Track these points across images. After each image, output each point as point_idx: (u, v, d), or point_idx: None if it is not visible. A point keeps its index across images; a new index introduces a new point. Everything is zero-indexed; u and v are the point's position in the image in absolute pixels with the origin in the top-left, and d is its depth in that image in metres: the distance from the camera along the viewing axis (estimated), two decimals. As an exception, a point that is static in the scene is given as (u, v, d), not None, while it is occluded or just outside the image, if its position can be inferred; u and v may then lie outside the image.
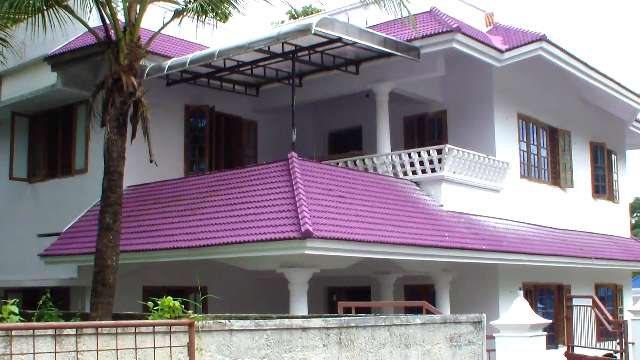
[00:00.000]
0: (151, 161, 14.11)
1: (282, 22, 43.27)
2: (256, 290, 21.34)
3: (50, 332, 6.35)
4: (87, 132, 19.69)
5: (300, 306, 15.98)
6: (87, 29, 14.74)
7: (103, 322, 6.73)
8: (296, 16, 42.51)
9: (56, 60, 20.38)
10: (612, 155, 29.24)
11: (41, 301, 11.87)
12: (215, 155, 22.80)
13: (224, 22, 28.09)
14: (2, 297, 22.53)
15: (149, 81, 19.41)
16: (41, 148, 22.85)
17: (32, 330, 6.20)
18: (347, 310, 15.52)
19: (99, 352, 6.52)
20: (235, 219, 16.07)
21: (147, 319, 7.42)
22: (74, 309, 18.36)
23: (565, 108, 25.95)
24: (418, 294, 21.50)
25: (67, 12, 14.56)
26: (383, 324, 9.81)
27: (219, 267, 17.66)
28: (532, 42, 21.63)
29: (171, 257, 16.92)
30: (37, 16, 14.39)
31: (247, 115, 24.07)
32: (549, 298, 24.07)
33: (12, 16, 15.37)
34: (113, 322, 6.79)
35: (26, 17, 14.70)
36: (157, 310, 7.34)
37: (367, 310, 17.02)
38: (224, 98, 22.84)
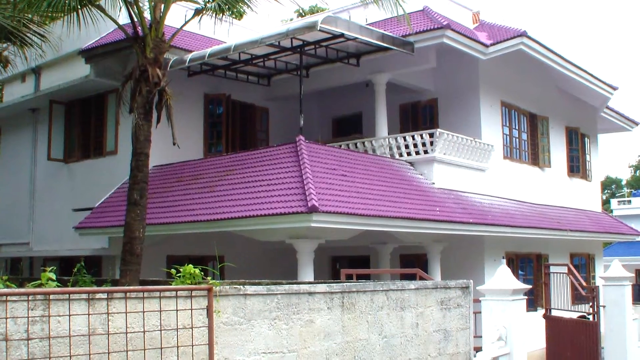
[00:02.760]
0: (174, 144, 14.08)
1: (291, 19, 43.02)
2: (267, 259, 21.32)
3: (84, 296, 6.31)
4: (117, 118, 19.65)
5: (307, 273, 15.96)
6: (117, 26, 14.68)
7: (131, 287, 6.69)
8: (303, 14, 42.29)
9: (89, 54, 20.33)
10: (586, 139, 29.12)
11: (76, 269, 11.84)
12: (232, 138, 22.75)
13: (239, 19, 27.95)
14: (42, 265, 22.65)
15: (172, 72, 19.33)
16: (76, 132, 22.76)
17: (67, 295, 6.16)
18: (349, 277, 15.51)
19: (127, 314, 6.49)
20: (249, 195, 16.02)
21: (171, 284, 7.38)
22: (105, 276, 18.39)
23: (544, 96, 25.82)
24: (412, 262, 21.49)
25: (99, 11, 14.49)
26: (381, 289, 9.76)
27: (234, 238, 17.62)
28: (514, 37, 21.49)
29: (192, 229, 16.86)
30: (72, 14, 14.33)
31: (260, 103, 23.99)
32: (529, 266, 24.03)
33: (49, 14, 15.28)
34: (140, 287, 6.75)
35: (62, 15, 14.62)
36: (179, 276, 7.30)
37: (366, 277, 17.01)
38: (239, 87, 22.75)
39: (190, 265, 7.28)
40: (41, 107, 23.65)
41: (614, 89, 27.19)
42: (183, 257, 20.16)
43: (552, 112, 26.27)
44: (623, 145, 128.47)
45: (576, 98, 27.47)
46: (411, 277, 15.97)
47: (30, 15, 16.58)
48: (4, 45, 18.12)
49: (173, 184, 18.55)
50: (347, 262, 22.96)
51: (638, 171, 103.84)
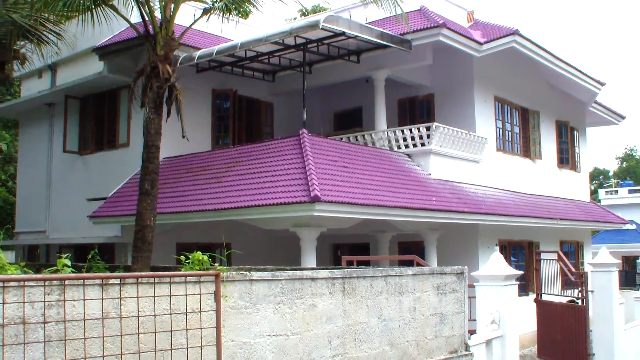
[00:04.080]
0: (183, 136, 14.06)
1: (295, 18, 42.90)
2: (271, 247, 21.28)
3: (98, 281, 6.30)
4: (129, 112, 19.64)
5: (309, 259, 15.93)
6: (129, 25, 14.65)
7: (142, 273, 6.68)
8: (306, 13, 42.18)
9: (103, 51, 20.32)
10: (575, 132, 29.05)
11: (90, 255, 11.84)
12: (238, 131, 22.73)
13: (245, 18, 27.87)
14: (57, 252, 22.67)
15: (182, 69, 19.30)
16: (90, 125, 22.75)
17: (82, 280, 6.15)
18: (350, 263, 15.51)
19: (139, 298, 6.47)
20: (254, 185, 15.99)
21: (180, 270, 7.37)
22: (117, 263, 18.41)
23: (535, 91, 25.75)
24: (410, 249, 21.49)
25: (112, 10, 14.47)
26: (380, 274, 9.75)
27: (240, 226, 17.61)
28: (507, 35, 21.41)
29: (200, 218, 16.83)
30: (86, 14, 14.32)
31: (265, 98, 23.94)
32: (521, 253, 24.01)
33: (65, 14, 15.23)
34: (151, 273, 6.73)
35: (77, 14, 14.60)
36: (188, 263, 7.28)
37: (366, 263, 17.01)
38: (245, 83, 22.71)
39: (199, 252, 7.26)
40: (57, 101, 23.63)
41: (602, 84, 27.14)
42: (192, 245, 20.02)
43: (542, 107, 26.20)
44: (610, 138, 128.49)
45: (566, 93, 27.42)
46: (409, 264, 15.94)
47: (46, 15, 16.55)
48: (22, 43, 18.08)
49: (182, 175, 18.53)
50: (347, 249, 22.96)
51: (625, 162, 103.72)
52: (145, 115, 13.43)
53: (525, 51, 22.37)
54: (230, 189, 16.52)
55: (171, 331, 6.67)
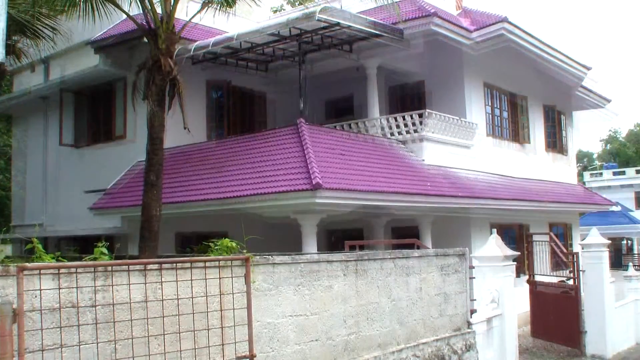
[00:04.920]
0: (185, 128, 14.48)
1: (281, 6, 43.17)
2: (269, 235, 21.59)
3: (139, 267, 6.81)
4: (125, 104, 20.04)
5: (311, 245, 16.42)
6: (125, 17, 15.04)
7: (179, 259, 7.16)
8: (294, 3, 42.43)
9: (99, 45, 20.63)
10: (562, 116, 29.67)
11: (101, 244, 12.24)
12: (232, 122, 23.11)
13: (230, 8, 28.11)
14: (55, 245, 23.03)
15: (177, 60, 19.63)
16: (85, 118, 23.11)
17: (127, 266, 6.65)
18: (353, 248, 16.03)
19: (177, 282, 6.98)
20: (255, 175, 16.44)
21: (207, 255, 7.83)
22: (117, 253, 18.80)
23: (523, 77, 26.23)
24: (404, 234, 21.93)
25: (111, 4, 14.87)
26: (389, 257, 10.32)
27: (237, 215, 17.90)
28: (496, 23, 21.77)
29: (202, 208, 17.24)
30: (86, 6, 14.72)
31: (258, 88, 24.27)
32: (512, 235, 24.58)
33: (64, 8, 15.53)
34: (188, 258, 7.23)
35: (76, 8, 14.97)
36: (217, 249, 7.77)
37: (362, 247, 17.52)
38: (239, 74, 22.99)
39: (227, 239, 7.77)
40: (51, 95, 23.94)
41: (588, 68, 27.65)
42: (191, 234, 20.62)
43: (530, 92, 26.75)
44: (595, 121, 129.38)
45: (553, 78, 27.83)
46: (408, 248, 16.47)
47: (43, 9, 16.84)
48: (17, 38, 18.37)
49: (182, 166, 18.95)
50: (342, 235, 23.36)
51: (609, 145, 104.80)
52: (148, 109, 13.84)
53: (514, 38, 22.76)
54: (231, 179, 16.96)
55: (207, 312, 7.19)
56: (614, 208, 39.80)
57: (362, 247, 17.23)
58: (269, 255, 8.36)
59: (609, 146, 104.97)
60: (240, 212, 17.33)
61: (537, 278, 20.57)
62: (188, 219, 19.52)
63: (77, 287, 6.28)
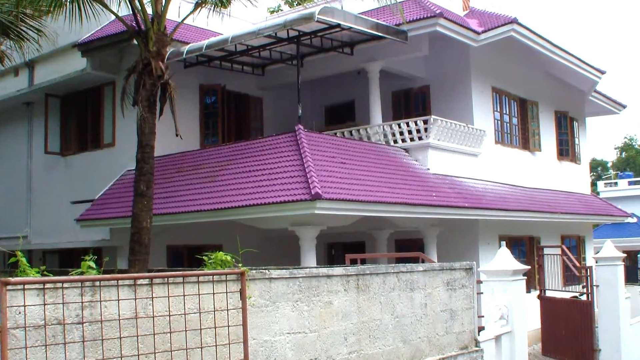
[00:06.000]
0: (177, 135, 14.51)
1: (279, 6, 43.22)
2: (266, 247, 21.64)
3: (128, 282, 6.81)
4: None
5: (310, 259, 16.42)
6: (114, 18, 15.08)
7: (171, 273, 7.15)
8: (292, 3, 42.48)
9: (86, 47, 20.60)
10: (574, 122, 29.69)
11: (89, 258, 12.23)
12: (227, 128, 23.13)
13: (225, 8, 28.12)
14: (40, 258, 23.03)
15: (168, 64, 19.65)
16: (72, 125, 23.12)
17: (116, 281, 6.65)
18: (353, 262, 16.06)
19: (169, 298, 6.99)
20: (251, 184, 16.46)
21: (201, 270, 7.84)
22: (106, 267, 18.78)
23: (533, 81, 26.33)
24: (408, 247, 21.94)
25: (99, 4, 14.88)
26: (392, 271, 10.32)
27: (232, 227, 17.95)
28: (505, 24, 21.87)
29: (195, 219, 17.27)
30: (73, 7, 14.72)
31: (254, 93, 24.36)
32: (522, 248, 24.60)
33: (50, 9, 15.52)
34: (180, 272, 7.22)
35: (63, 9, 14.97)
36: (211, 263, 7.77)
37: (363, 261, 17.53)
38: (233, 77, 23.07)
39: (221, 252, 7.78)
40: (36, 100, 23.96)
41: (602, 72, 27.76)
42: (182, 247, 20.66)
43: (541, 97, 26.81)
44: (609, 128, 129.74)
45: (565, 82, 28.00)
46: (413, 261, 16.48)
47: (27, 10, 16.83)
48: (0, 40, 18.37)
49: (173, 175, 18.96)
50: (342, 249, 23.40)
51: (624, 153, 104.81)
52: (138, 114, 13.82)
53: (523, 40, 22.88)
54: (225, 188, 16.98)
55: (200, 329, 7.20)
56: (630, 220, 39.89)
57: (363, 261, 17.25)
58: (265, 269, 8.36)
59: (624, 154, 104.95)
60: (236, 223, 17.38)
61: (549, 293, 20.57)
62: (180, 231, 19.54)
63: (63, 303, 6.28)
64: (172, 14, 16.90)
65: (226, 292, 7.45)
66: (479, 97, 23.08)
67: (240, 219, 16.82)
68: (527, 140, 25.80)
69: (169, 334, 6.98)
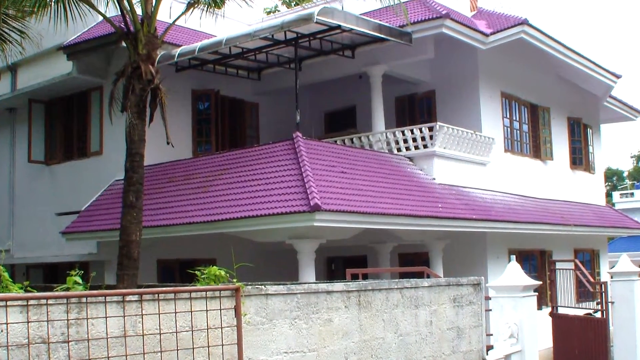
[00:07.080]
0: (168, 143, 14.49)
1: (275, 7, 43.28)
2: (262, 261, 21.66)
3: (117, 298, 6.81)
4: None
5: (308, 274, 16.42)
6: (101, 19, 15.09)
7: (162, 289, 7.14)
8: (291, 3, 42.53)
9: (71, 50, 20.65)
10: (588, 129, 29.73)
11: (75, 273, 12.23)
12: (221, 135, 23.12)
13: (219, 9, 28.17)
14: (24, 273, 23.01)
15: (159, 67, 19.68)
16: (57, 132, 23.13)
17: (104, 297, 6.65)
18: (354, 277, 16.03)
19: (160, 315, 6.99)
20: (246, 194, 16.46)
21: (193, 285, 7.85)
22: (93, 283, 18.77)
23: (545, 86, 26.37)
24: (412, 261, 21.96)
25: (86, 5, 14.90)
26: (396, 287, 10.31)
27: (226, 240, 17.95)
28: (515, 26, 21.93)
29: (187, 232, 17.28)
30: (58, 7, 14.75)
31: (249, 98, 24.38)
32: (533, 263, 24.59)
33: (34, 9, 15.53)
34: (171, 288, 7.21)
35: (48, 9, 14.99)
36: (204, 278, 7.78)
37: (365, 277, 17.52)
38: (228, 82, 23.09)
39: (215, 267, 7.78)
40: (19, 106, 23.97)
41: (618, 77, 27.78)
42: (173, 261, 20.63)
43: (553, 103, 26.85)
44: (624, 135, 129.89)
45: (578, 87, 28.03)
46: (417, 276, 16.47)
47: (10, 11, 16.84)
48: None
49: (164, 185, 18.96)
50: (342, 263, 23.36)
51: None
52: (127, 121, 13.81)
53: (534, 42, 22.92)
54: (219, 199, 16.98)
55: (193, 348, 7.19)
56: (647, 232, 39.83)
57: (365, 276, 17.24)
58: (261, 285, 8.36)
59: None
60: (230, 236, 17.37)
61: (561, 310, 20.53)
62: (172, 244, 19.53)
63: (48, 321, 6.28)
64: (163, 15, 16.92)
65: (220, 309, 7.44)
66: (487, 102, 23.09)
67: (234, 232, 16.81)
68: (538, 148, 25.81)
69: (159, 353, 6.97)
